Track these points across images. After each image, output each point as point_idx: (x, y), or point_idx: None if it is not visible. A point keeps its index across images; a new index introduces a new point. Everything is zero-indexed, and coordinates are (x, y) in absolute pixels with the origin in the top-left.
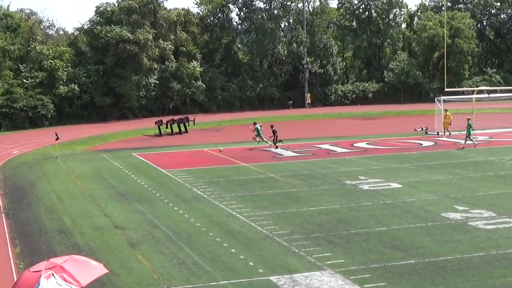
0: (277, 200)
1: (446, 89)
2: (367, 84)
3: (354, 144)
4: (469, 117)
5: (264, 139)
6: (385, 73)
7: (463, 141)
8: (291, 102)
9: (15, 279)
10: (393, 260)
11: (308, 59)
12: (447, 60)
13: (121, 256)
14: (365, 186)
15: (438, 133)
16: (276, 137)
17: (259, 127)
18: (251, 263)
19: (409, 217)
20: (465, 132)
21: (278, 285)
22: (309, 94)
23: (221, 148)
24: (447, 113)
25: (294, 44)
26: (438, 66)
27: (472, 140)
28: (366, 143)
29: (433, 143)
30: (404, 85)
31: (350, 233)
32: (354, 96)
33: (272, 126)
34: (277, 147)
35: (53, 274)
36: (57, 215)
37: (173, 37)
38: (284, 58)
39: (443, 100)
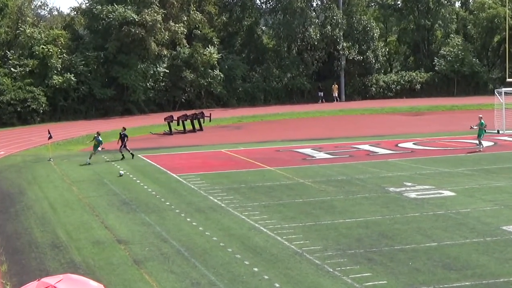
0: (308, 210)
1: (508, 79)
2: (414, 74)
3: (399, 145)
4: (481, 115)
5: (95, 152)
6: (435, 60)
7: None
8: (322, 94)
9: None
10: (445, 282)
11: (344, 44)
12: (509, 45)
13: (124, 276)
14: (412, 194)
15: (498, 131)
16: (124, 145)
17: (100, 139)
18: (277, 285)
19: (464, 231)
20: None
21: None
22: (335, 86)
23: (121, 172)
24: None
25: (328, 27)
26: (499, 52)
27: (481, 142)
28: (413, 143)
29: (493, 143)
30: (458, 74)
31: (394, 250)
32: (399, 88)
33: (124, 129)
34: (123, 157)
35: None
36: (50, 227)
37: (186, 19)
38: (316, 43)
39: (505, 93)
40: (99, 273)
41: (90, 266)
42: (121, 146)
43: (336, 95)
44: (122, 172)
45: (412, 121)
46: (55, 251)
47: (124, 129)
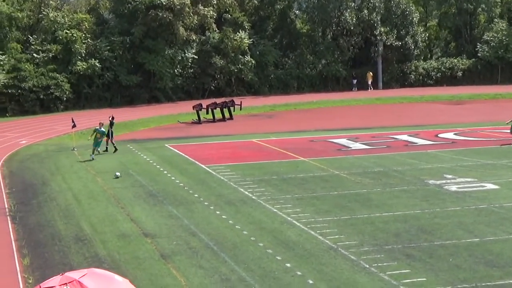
0: (343, 204)
1: None
2: (455, 60)
3: (439, 135)
4: None
5: (95, 151)
6: (478, 46)
7: None
8: (356, 81)
9: None
10: (488, 280)
11: (382, 29)
12: None
13: (151, 270)
14: (453, 187)
15: None
16: (111, 133)
17: (103, 130)
18: (311, 281)
19: (507, 226)
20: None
21: None
22: (370, 73)
23: (118, 174)
24: None
25: (365, 10)
26: None
27: None
28: (454, 134)
29: None
30: (502, 61)
31: (434, 245)
32: (439, 75)
33: (112, 118)
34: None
35: None
36: (73, 220)
37: (215, 2)
38: (352, 28)
39: None
40: (125, 268)
41: (115, 260)
42: (111, 138)
43: (370, 83)
44: (118, 174)
45: (453, 110)
46: (79, 244)
47: (113, 118)
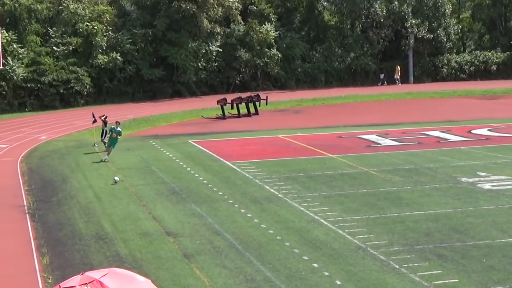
0: (372, 202)
1: None
2: (489, 54)
3: (472, 131)
4: None
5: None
6: None
7: None
8: (383, 75)
9: None
10: None
11: (413, 21)
12: None
13: (173, 270)
14: (486, 185)
15: None
16: (105, 133)
17: (120, 129)
18: (338, 282)
19: None
20: None
21: None
22: (398, 67)
23: (116, 179)
24: None
25: (396, 2)
26: None
27: None
28: (488, 130)
29: None
30: None
31: (466, 245)
32: (473, 69)
33: (105, 118)
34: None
35: None
36: (94, 218)
37: None
38: (382, 20)
39: None
40: (147, 267)
41: (137, 260)
42: (104, 136)
43: (398, 77)
44: (117, 178)
45: (486, 105)
46: (100, 243)
47: (106, 117)
